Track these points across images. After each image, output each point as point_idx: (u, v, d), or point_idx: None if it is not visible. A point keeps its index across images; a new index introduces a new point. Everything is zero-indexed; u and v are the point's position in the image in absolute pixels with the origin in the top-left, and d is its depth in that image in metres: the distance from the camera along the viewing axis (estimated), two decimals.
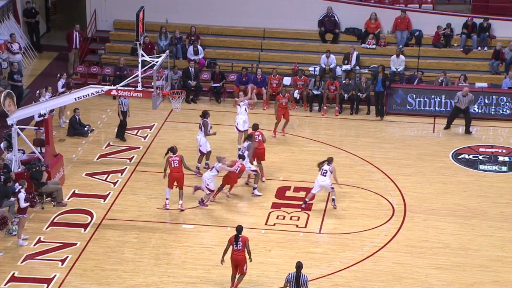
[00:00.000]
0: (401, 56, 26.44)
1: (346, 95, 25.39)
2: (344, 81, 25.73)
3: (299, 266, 15.21)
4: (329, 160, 19.65)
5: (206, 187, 19.67)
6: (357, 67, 26.73)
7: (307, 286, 15.28)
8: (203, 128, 21.13)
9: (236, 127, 22.35)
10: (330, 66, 26.70)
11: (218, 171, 19.66)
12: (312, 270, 17.08)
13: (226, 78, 26.55)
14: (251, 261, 16.51)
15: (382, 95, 24.96)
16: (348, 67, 26.63)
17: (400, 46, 26.85)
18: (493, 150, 23.18)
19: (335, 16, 27.75)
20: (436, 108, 25.24)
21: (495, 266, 17.71)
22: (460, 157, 22.77)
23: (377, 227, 19.17)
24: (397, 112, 25.28)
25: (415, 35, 27.29)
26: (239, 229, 16.46)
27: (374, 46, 27.33)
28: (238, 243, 16.35)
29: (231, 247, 16.43)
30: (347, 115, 25.40)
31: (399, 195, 20.59)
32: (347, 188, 20.79)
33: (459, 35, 27.26)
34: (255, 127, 21.03)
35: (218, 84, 26.22)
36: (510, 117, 25.03)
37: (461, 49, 27.17)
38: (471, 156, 22.80)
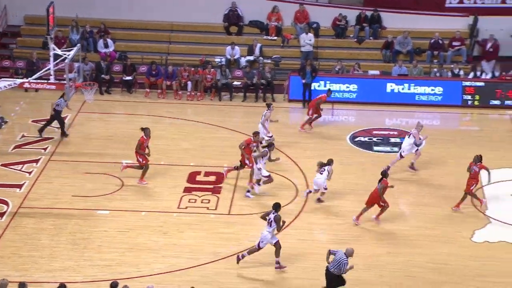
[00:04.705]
0: (310, 34, 26.56)
1: (250, 82, 25.42)
2: (245, 69, 25.74)
3: None
4: (330, 162, 19.27)
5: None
6: (261, 58, 26.71)
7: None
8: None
9: None
10: (235, 57, 26.61)
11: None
12: (222, 249, 17.03)
13: (137, 70, 26.08)
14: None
15: (310, 86, 25.02)
16: (251, 57, 26.59)
17: (308, 24, 26.98)
18: (386, 132, 23.59)
19: (239, 10, 27.62)
20: (336, 95, 25.52)
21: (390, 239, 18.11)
22: (356, 139, 23.07)
23: (282, 207, 19.16)
24: (298, 99, 25.42)
25: (313, 27, 27.46)
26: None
27: (275, 38, 27.41)
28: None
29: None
30: (252, 103, 25.36)
31: (302, 176, 20.68)
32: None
33: (353, 27, 27.61)
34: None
35: (130, 78, 25.72)
36: (398, 101, 25.49)
37: (355, 40, 27.53)
38: (366, 139, 23.13)
